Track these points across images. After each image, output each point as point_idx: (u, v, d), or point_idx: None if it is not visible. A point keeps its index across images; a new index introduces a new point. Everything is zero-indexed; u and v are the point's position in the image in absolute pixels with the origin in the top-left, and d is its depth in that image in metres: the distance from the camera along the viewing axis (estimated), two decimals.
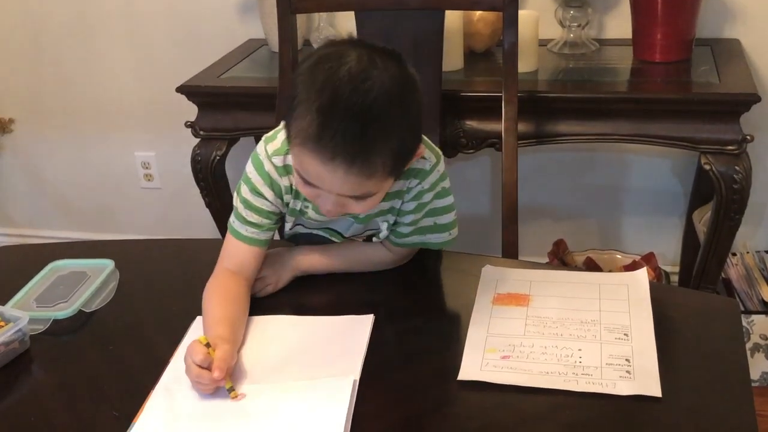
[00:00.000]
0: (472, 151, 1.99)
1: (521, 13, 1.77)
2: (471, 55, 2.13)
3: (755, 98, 1.80)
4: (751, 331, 2.07)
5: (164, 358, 1.15)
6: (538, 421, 1.00)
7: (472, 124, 1.96)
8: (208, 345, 1.07)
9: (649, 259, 2.28)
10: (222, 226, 2.17)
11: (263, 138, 1.25)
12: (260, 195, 1.24)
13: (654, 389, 1.01)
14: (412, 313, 1.25)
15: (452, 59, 2.01)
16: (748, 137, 1.81)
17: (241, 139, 2.20)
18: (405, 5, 1.75)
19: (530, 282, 1.26)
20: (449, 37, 1.90)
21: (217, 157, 2.11)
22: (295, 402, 1.04)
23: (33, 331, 1.22)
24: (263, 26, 2.31)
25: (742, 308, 2.11)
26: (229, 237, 1.28)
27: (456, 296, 1.31)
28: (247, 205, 1.25)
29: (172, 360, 1.14)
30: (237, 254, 1.26)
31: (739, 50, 2.10)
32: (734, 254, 2.23)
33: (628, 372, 1.05)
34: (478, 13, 2.06)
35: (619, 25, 2.19)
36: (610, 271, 2.28)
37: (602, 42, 2.20)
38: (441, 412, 1.03)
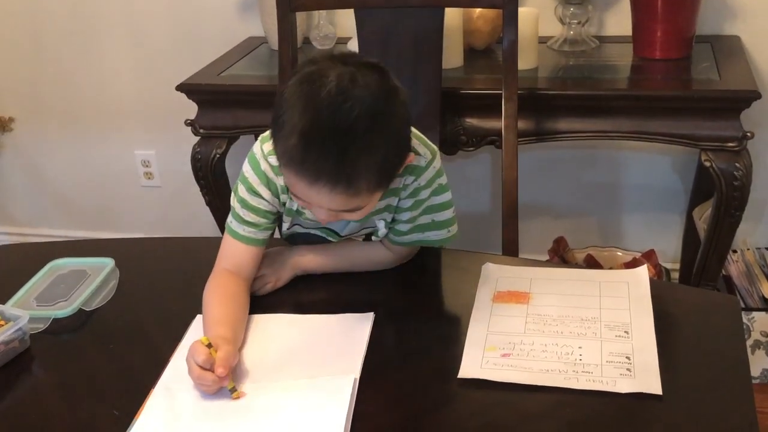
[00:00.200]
0: (472, 148, 1.99)
1: (521, 10, 1.76)
2: (471, 53, 2.13)
3: (755, 95, 1.80)
4: (751, 328, 2.07)
5: (165, 356, 1.15)
6: (539, 419, 1.00)
7: (472, 121, 1.96)
8: (209, 345, 1.07)
9: (649, 256, 2.28)
10: (222, 224, 2.15)
11: (259, 137, 1.25)
12: (257, 194, 1.24)
13: (654, 386, 1.01)
14: (412, 311, 1.25)
15: (452, 57, 2.01)
16: (749, 134, 1.81)
17: (241, 137, 2.19)
18: (405, 3, 1.75)
19: (530, 279, 1.26)
20: (449, 34, 1.90)
21: (217, 156, 2.11)
22: (295, 401, 1.04)
23: (33, 329, 1.22)
24: (263, 24, 2.31)
25: (743, 305, 2.11)
26: (226, 237, 1.28)
27: (456, 294, 1.31)
28: (244, 204, 1.25)
29: (172, 359, 1.14)
30: (235, 254, 1.26)
31: (739, 47, 2.10)
32: (735, 251, 2.23)
33: (628, 369, 1.05)
34: (478, 10, 2.06)
35: (619, 22, 2.19)
36: (610, 268, 2.28)
37: (602, 39, 2.19)
38: (441, 411, 1.03)
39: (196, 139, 2.13)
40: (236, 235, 1.26)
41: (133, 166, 2.77)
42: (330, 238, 1.34)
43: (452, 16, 1.94)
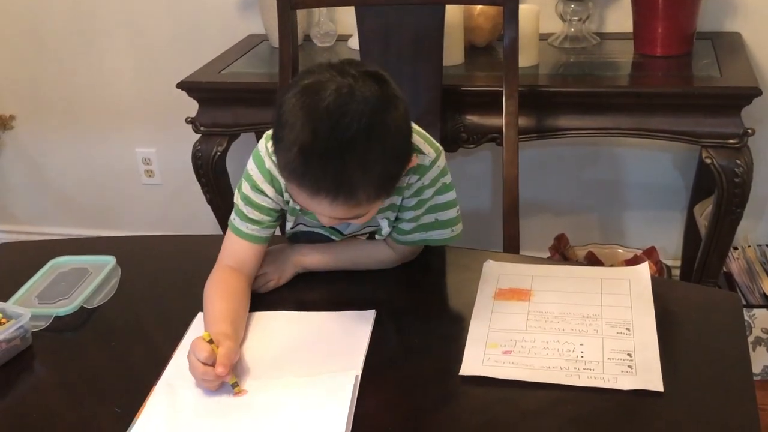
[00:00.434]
0: (472, 146, 1.99)
1: (522, 7, 1.76)
2: (472, 50, 2.13)
3: (756, 92, 1.80)
4: (752, 325, 2.07)
5: (166, 354, 1.15)
6: (540, 416, 1.00)
7: (472, 118, 1.96)
8: (211, 341, 1.07)
9: (650, 254, 2.28)
10: (223, 221, 2.17)
11: (264, 135, 1.25)
12: (261, 192, 1.24)
13: (656, 384, 1.01)
14: (413, 308, 1.25)
15: (453, 54, 2.01)
16: (750, 131, 1.81)
17: (242, 134, 2.20)
18: (405, 0, 1.75)
19: (532, 277, 1.26)
20: (450, 31, 1.90)
21: (218, 153, 2.11)
22: (297, 398, 1.04)
23: (35, 327, 1.22)
24: (263, 22, 2.30)
25: (744, 302, 2.11)
26: (229, 234, 1.28)
27: (457, 291, 1.31)
28: (248, 201, 1.25)
29: (173, 356, 1.14)
30: (237, 251, 1.26)
31: (740, 44, 2.09)
32: (735, 248, 2.23)
33: (629, 367, 1.05)
34: (479, 7, 2.05)
35: (620, 18, 2.19)
36: (611, 265, 2.27)
37: (603, 36, 2.19)
38: (442, 408, 1.03)
39: (197, 136, 2.13)
40: (239, 233, 1.26)
41: (134, 163, 2.77)
42: (333, 237, 1.34)
43: (453, 13, 1.94)
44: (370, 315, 1.20)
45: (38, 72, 2.71)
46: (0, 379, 1.14)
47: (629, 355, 1.07)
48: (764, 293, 2.11)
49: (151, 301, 1.32)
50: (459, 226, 1.31)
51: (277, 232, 1.33)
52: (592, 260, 2.32)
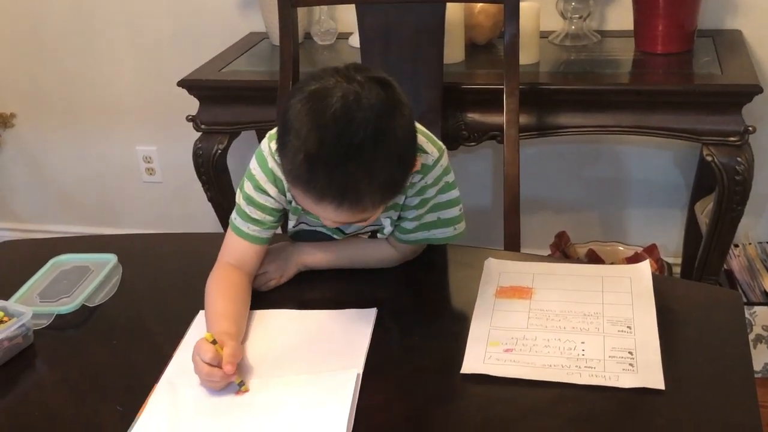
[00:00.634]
0: (473, 143, 1.99)
1: (522, 4, 1.76)
2: (472, 48, 2.13)
3: (757, 89, 1.79)
4: (753, 323, 2.07)
5: (168, 352, 1.15)
6: (541, 414, 1.00)
7: (473, 116, 1.96)
8: (214, 342, 1.07)
9: (651, 251, 2.28)
10: (224, 219, 2.17)
11: (267, 135, 1.25)
12: (264, 192, 1.24)
13: (657, 382, 1.01)
14: (414, 306, 1.25)
15: (453, 51, 2.01)
16: (750, 128, 1.81)
17: (243, 132, 2.20)
18: None
19: (533, 275, 1.26)
20: (450, 29, 1.90)
21: (219, 151, 2.11)
22: (298, 396, 1.04)
23: (36, 326, 1.22)
24: (264, 20, 2.30)
25: (744, 299, 2.11)
26: (230, 233, 1.28)
27: (458, 289, 1.31)
28: (251, 201, 1.25)
29: (175, 354, 1.15)
30: (238, 251, 1.26)
31: (740, 41, 2.09)
32: (736, 245, 2.23)
33: (630, 365, 1.05)
34: (480, 5, 2.05)
35: (621, 16, 2.18)
36: (612, 263, 2.28)
37: (604, 33, 2.19)
38: (444, 406, 1.03)
39: (198, 134, 2.13)
40: (240, 233, 1.26)
41: (135, 162, 2.77)
42: (335, 236, 1.34)
43: (453, 11, 1.94)
44: (371, 313, 1.20)
45: (39, 70, 2.71)
46: (2, 378, 1.14)
47: (630, 353, 1.07)
48: (765, 290, 2.11)
49: (153, 299, 1.32)
50: (462, 225, 1.31)
51: (278, 231, 1.34)
52: (593, 258, 2.32)
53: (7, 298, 1.28)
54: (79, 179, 2.87)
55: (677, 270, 2.41)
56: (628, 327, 1.12)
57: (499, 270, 1.28)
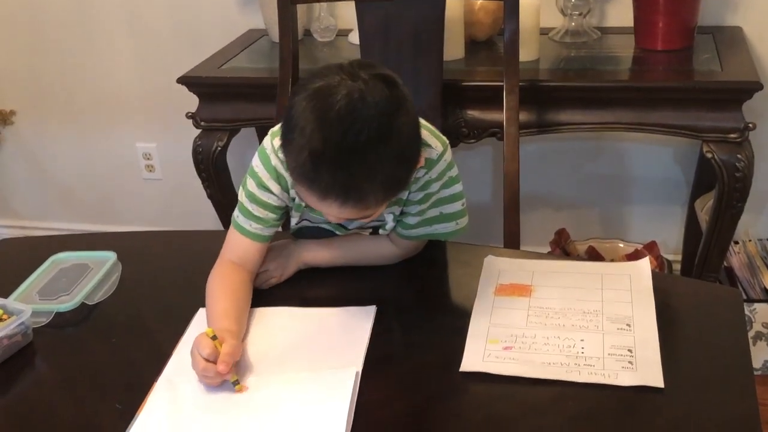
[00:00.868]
0: (473, 140, 1.98)
1: (522, 1, 1.76)
2: (472, 45, 2.12)
3: (757, 86, 1.79)
4: (753, 320, 2.07)
5: (167, 350, 1.15)
6: (541, 412, 1.00)
7: (473, 113, 1.96)
8: (214, 338, 1.07)
9: (651, 248, 2.28)
10: (223, 216, 2.17)
11: (269, 132, 1.24)
12: (267, 189, 1.24)
13: (656, 380, 1.01)
14: (414, 304, 1.25)
15: (453, 48, 2.00)
16: (751, 125, 1.81)
17: (242, 129, 2.19)
18: None
19: (532, 272, 1.26)
20: (450, 26, 1.89)
21: (219, 148, 2.11)
22: (297, 394, 1.04)
23: (36, 324, 1.22)
24: (263, 16, 2.30)
25: (744, 296, 2.11)
26: (232, 231, 1.28)
27: (458, 287, 1.31)
28: (253, 199, 1.25)
29: (175, 352, 1.15)
30: (240, 248, 1.26)
31: (741, 38, 2.09)
32: (736, 242, 2.23)
33: (630, 362, 1.05)
34: (479, 1, 2.05)
35: (621, 13, 2.18)
36: (612, 260, 2.28)
37: (604, 30, 2.19)
38: (443, 404, 1.03)
39: (198, 131, 2.13)
40: (242, 230, 1.26)
41: (135, 159, 2.77)
42: (338, 232, 1.34)
43: (453, 7, 1.94)
44: (371, 311, 1.20)
45: (38, 67, 2.70)
46: (1, 376, 1.14)
47: (630, 350, 1.07)
48: (765, 288, 2.11)
49: (152, 296, 1.32)
50: (464, 219, 1.31)
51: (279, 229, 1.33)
52: (593, 255, 2.32)
53: (6, 296, 1.28)
54: (78, 176, 2.86)
55: (677, 267, 2.41)
56: (627, 324, 1.12)
57: (498, 268, 1.28)
